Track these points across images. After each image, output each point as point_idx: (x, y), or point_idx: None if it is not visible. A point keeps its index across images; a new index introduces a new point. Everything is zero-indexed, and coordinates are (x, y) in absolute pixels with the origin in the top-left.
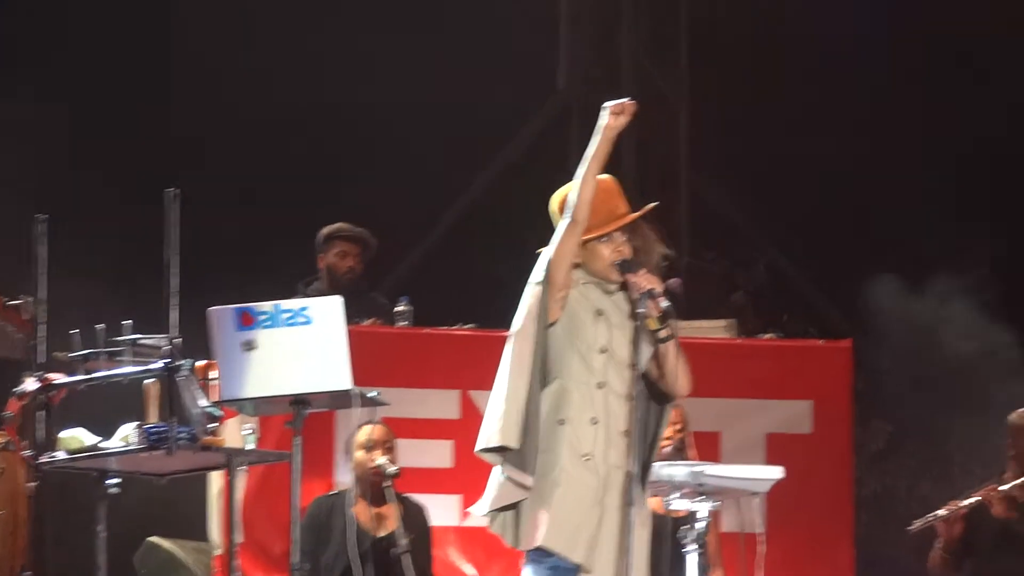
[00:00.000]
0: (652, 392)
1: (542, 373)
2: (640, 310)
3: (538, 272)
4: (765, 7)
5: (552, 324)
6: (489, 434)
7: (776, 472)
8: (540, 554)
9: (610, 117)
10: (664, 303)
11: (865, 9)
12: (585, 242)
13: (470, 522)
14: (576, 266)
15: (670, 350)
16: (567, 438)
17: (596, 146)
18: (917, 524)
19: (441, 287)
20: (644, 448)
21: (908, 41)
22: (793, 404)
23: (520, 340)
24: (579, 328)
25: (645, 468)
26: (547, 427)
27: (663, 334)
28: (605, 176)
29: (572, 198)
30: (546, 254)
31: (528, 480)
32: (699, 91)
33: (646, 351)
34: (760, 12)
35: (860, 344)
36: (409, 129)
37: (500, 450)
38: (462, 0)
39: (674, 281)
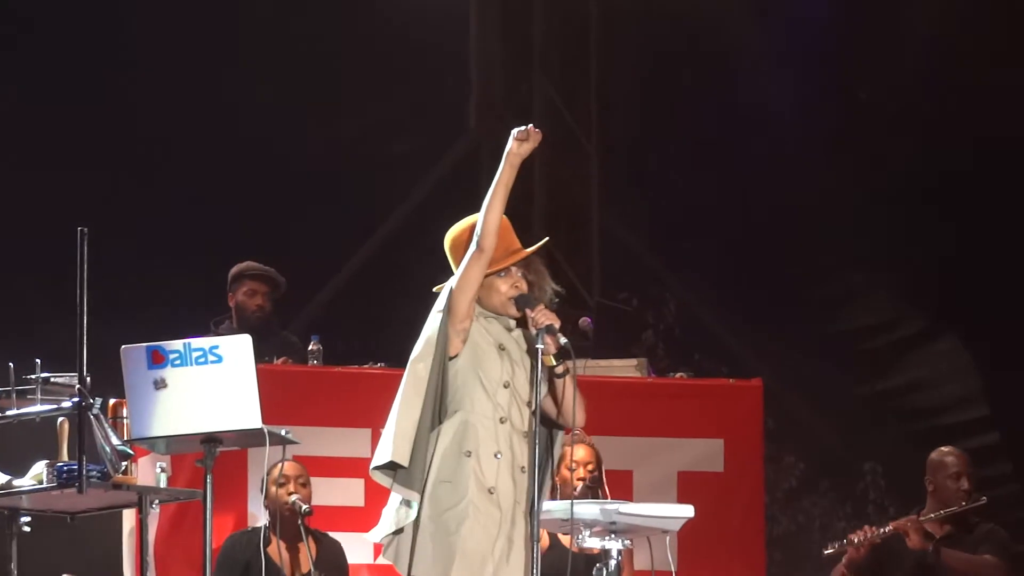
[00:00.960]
0: (546, 425)
1: (442, 405)
2: (538, 346)
3: (440, 302)
4: (675, 46)
5: (454, 357)
6: (381, 452)
7: (687, 510)
8: None
9: (514, 143)
10: (562, 339)
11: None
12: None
13: (384, 559)
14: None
15: (567, 386)
16: (473, 470)
17: (500, 173)
18: (832, 548)
19: (352, 326)
20: (539, 482)
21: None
22: (705, 443)
23: (416, 368)
24: (483, 361)
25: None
26: (452, 458)
27: (559, 370)
28: None
29: (479, 227)
30: (450, 283)
31: (415, 496)
32: (610, 131)
33: (541, 388)
34: (670, 51)
35: (770, 382)
36: (320, 166)
37: (390, 468)
38: (376, 35)
39: (584, 320)
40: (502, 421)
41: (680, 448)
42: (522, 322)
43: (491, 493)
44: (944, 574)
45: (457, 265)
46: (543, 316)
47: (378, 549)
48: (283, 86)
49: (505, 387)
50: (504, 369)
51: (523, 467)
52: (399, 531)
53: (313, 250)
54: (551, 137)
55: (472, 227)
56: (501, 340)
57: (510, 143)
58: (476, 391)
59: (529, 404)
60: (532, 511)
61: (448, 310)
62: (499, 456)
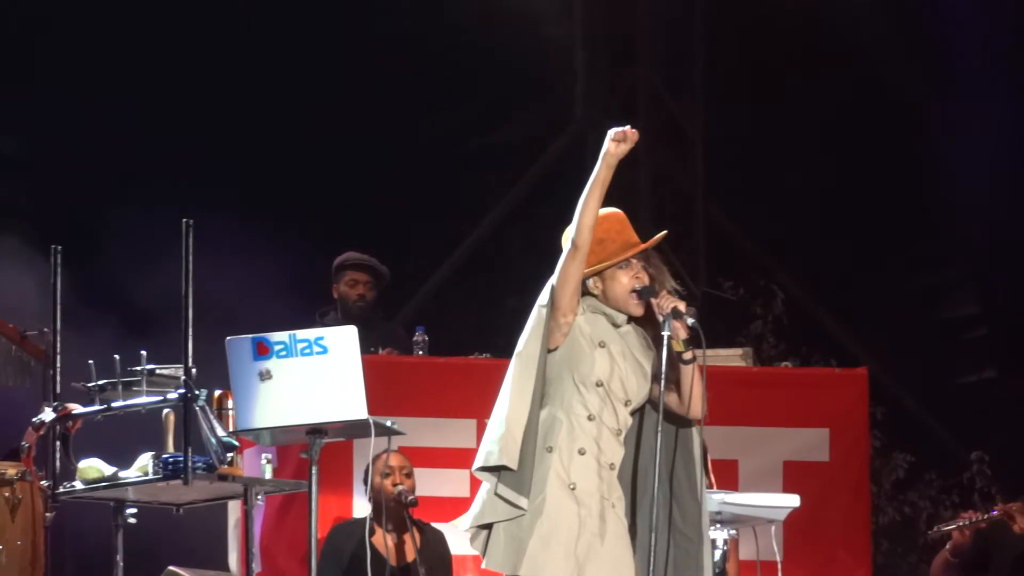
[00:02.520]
0: (670, 419)
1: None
2: (665, 332)
3: (543, 296)
4: (782, 36)
5: (553, 350)
6: (488, 452)
7: (793, 500)
8: None
9: (611, 144)
10: (690, 321)
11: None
12: (602, 270)
13: (472, 548)
14: (587, 294)
15: (692, 373)
16: (554, 466)
17: (597, 172)
18: (938, 529)
19: (457, 317)
20: (688, 488)
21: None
22: (810, 432)
23: (523, 362)
24: (578, 358)
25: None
26: (537, 454)
27: (687, 356)
28: (615, 210)
29: (574, 224)
30: (551, 280)
31: (524, 502)
32: (716, 120)
33: (644, 385)
34: (776, 41)
35: (876, 372)
36: (428, 157)
37: (497, 470)
38: (483, 25)
39: (691, 309)
40: (590, 419)
41: (785, 437)
42: (641, 320)
43: (572, 489)
44: None
45: None
46: (668, 301)
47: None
48: (394, 78)
49: (598, 386)
50: (599, 367)
51: (612, 464)
52: (487, 525)
53: (421, 241)
54: (656, 126)
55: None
56: (603, 337)
57: (607, 143)
58: (567, 386)
59: (628, 403)
60: (651, 507)
61: (551, 304)
62: (584, 452)
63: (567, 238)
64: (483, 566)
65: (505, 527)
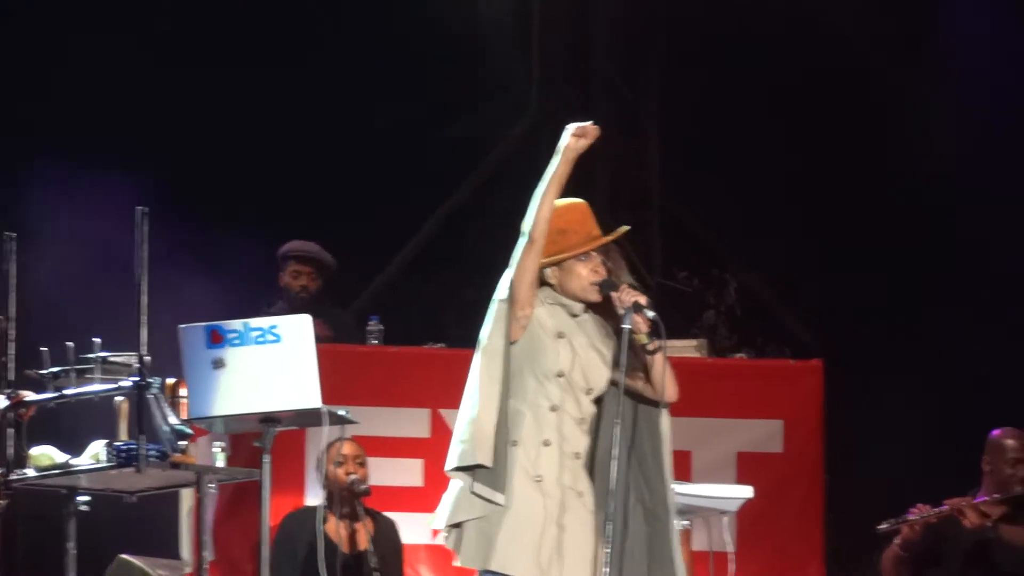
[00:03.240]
0: (642, 402)
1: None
2: (625, 326)
3: (502, 290)
4: (740, 30)
5: (512, 343)
6: (462, 452)
7: (746, 491)
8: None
9: (571, 139)
10: (650, 314)
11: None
12: (562, 261)
13: (441, 540)
14: (545, 285)
15: (658, 361)
16: (519, 460)
17: (555, 167)
18: (886, 525)
19: (413, 306)
20: (654, 467)
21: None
22: (764, 423)
23: (488, 357)
24: (538, 350)
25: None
26: (501, 447)
27: (651, 347)
28: (579, 200)
29: (529, 217)
30: (508, 274)
31: (500, 498)
32: (672, 111)
33: (604, 373)
34: (735, 34)
35: (831, 365)
36: (384, 146)
37: (471, 468)
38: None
39: (651, 303)
40: (553, 409)
41: (740, 429)
42: (597, 307)
43: (538, 482)
44: (1004, 550)
45: None
46: (628, 295)
47: (436, 530)
48: (351, 67)
49: (559, 376)
50: (561, 359)
51: (577, 453)
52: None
53: (376, 230)
54: (612, 117)
55: (556, 211)
56: (562, 328)
57: (567, 138)
58: (528, 379)
59: (589, 392)
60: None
61: (510, 299)
62: (548, 444)
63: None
64: (456, 563)
65: (476, 523)
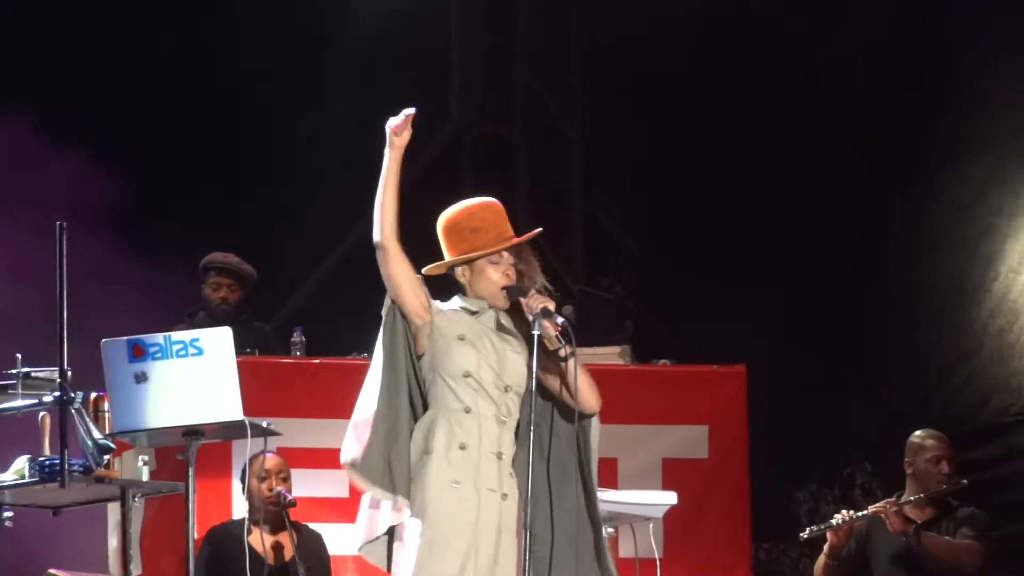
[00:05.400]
0: (566, 415)
1: (412, 404)
2: (535, 332)
3: (384, 305)
4: (663, 35)
5: (421, 356)
6: (343, 462)
7: (670, 497)
8: None
9: (393, 137)
10: (559, 320)
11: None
12: (472, 260)
13: (372, 562)
14: (455, 282)
15: (571, 368)
16: (434, 468)
17: (386, 167)
18: (809, 531)
19: (335, 317)
20: (575, 472)
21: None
22: (689, 429)
23: (370, 367)
24: (442, 354)
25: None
26: (418, 457)
27: (563, 352)
28: (493, 200)
29: (375, 227)
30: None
31: (403, 501)
32: (593, 117)
33: (519, 367)
34: (657, 40)
35: (755, 369)
36: (302, 159)
37: (358, 474)
38: (356, 25)
39: (567, 308)
40: (467, 411)
41: (664, 435)
42: (511, 310)
43: (456, 486)
44: (924, 558)
45: (448, 249)
46: (536, 301)
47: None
48: (266, 78)
49: (466, 376)
50: (464, 359)
51: (500, 454)
52: (375, 540)
53: (297, 242)
54: (533, 124)
55: (463, 212)
56: (462, 331)
57: (389, 136)
58: (438, 386)
59: (508, 389)
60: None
61: (392, 310)
62: (464, 447)
63: (441, 227)
64: None
65: (395, 534)
